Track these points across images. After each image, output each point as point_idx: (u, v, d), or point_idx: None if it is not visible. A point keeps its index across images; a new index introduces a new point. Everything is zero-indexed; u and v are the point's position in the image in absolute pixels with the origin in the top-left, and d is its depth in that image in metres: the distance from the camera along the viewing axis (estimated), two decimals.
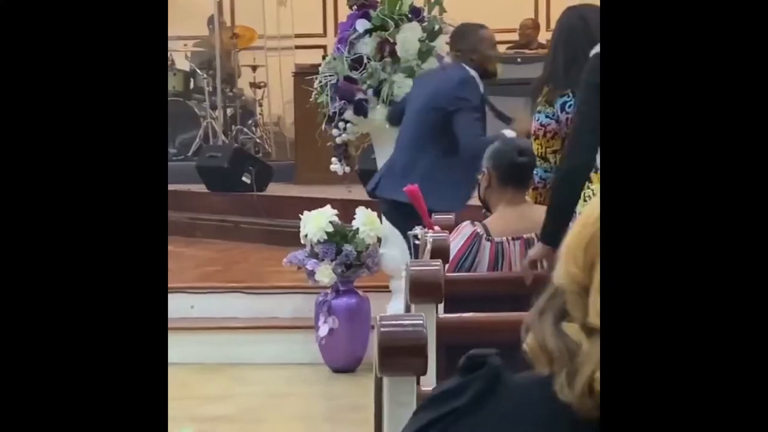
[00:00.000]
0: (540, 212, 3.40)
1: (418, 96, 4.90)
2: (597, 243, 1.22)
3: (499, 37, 6.85)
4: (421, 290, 2.55)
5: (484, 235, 3.48)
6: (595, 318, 1.19)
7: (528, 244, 3.43)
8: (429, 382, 2.05)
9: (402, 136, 4.94)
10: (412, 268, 2.59)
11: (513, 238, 3.48)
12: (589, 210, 1.28)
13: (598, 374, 1.15)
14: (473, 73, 4.75)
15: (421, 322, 1.76)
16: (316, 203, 5.86)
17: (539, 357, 1.22)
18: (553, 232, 3.04)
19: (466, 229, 3.52)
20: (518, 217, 3.52)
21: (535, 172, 3.71)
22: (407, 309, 2.76)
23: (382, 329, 1.74)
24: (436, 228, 3.59)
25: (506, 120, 4.87)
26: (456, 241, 3.48)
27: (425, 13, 5.45)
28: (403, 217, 4.51)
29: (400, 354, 1.73)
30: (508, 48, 8.68)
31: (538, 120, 3.80)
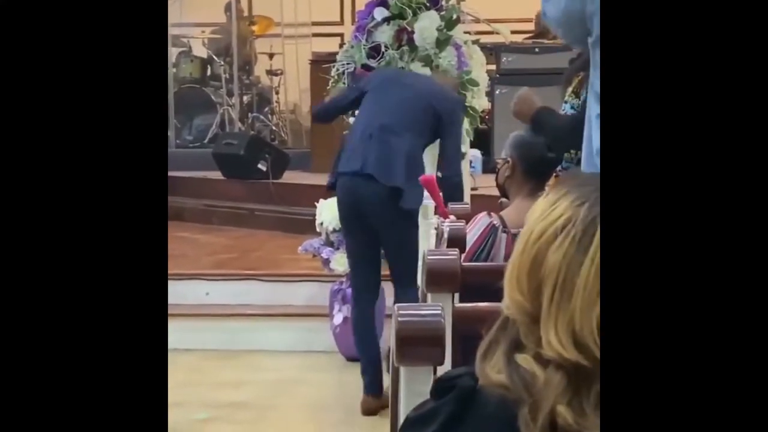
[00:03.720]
0: None
1: (405, 86, 4.82)
2: (541, 264, 1.16)
3: (516, 27, 6.86)
4: (437, 279, 2.54)
5: (501, 227, 3.47)
6: (548, 349, 1.13)
7: None
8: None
9: (396, 118, 4.76)
10: (429, 257, 2.59)
11: None
12: (527, 229, 1.21)
13: (560, 407, 1.11)
14: None
15: (439, 312, 1.75)
16: (331, 191, 5.85)
17: (495, 391, 1.17)
18: None
19: (482, 220, 3.50)
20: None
21: None
22: (423, 298, 2.75)
23: (399, 318, 1.74)
24: (452, 217, 3.58)
25: None
26: (472, 233, 3.46)
27: (443, 2, 5.44)
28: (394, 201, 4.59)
29: (418, 344, 1.72)
30: (525, 38, 8.65)
31: (564, 110, 3.78)
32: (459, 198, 4.67)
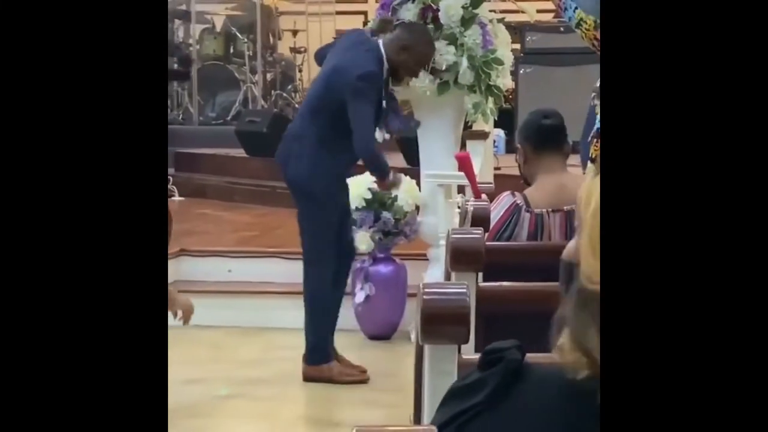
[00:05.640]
0: (581, 182, 3.37)
1: (329, 61, 4.94)
2: None
3: (541, 5, 6.80)
4: (462, 258, 2.53)
5: (524, 206, 3.45)
6: None
7: (569, 216, 3.40)
8: (469, 351, 2.04)
9: (306, 100, 5.18)
10: (454, 236, 2.58)
11: (553, 210, 3.45)
12: (591, 196, 1.20)
13: None
14: (377, 68, 4.76)
15: (464, 290, 1.74)
16: (354, 170, 5.85)
17: (575, 356, 1.15)
18: None
19: (505, 199, 3.49)
20: (558, 187, 3.47)
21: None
22: (447, 277, 2.74)
23: (425, 297, 1.73)
24: (484, 196, 3.57)
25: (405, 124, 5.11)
26: (495, 212, 3.44)
27: None
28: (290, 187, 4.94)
29: (443, 322, 1.71)
30: (553, 17, 8.60)
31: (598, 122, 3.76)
32: (380, 171, 4.84)
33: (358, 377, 4.94)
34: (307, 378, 4.93)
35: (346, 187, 4.95)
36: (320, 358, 4.91)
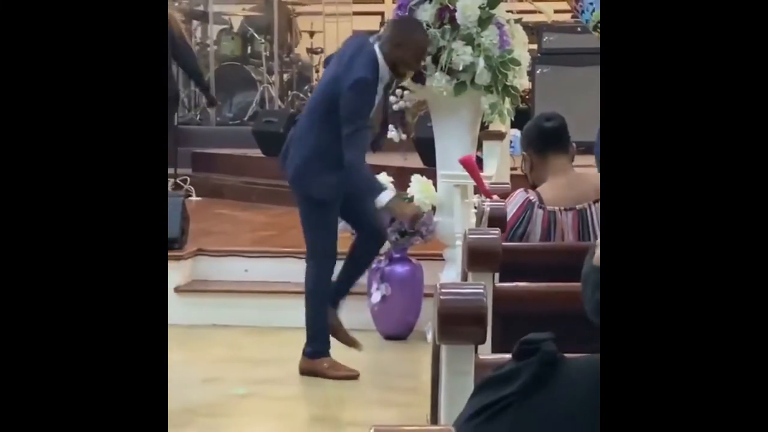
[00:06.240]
0: (591, 180, 3.37)
1: (329, 70, 5.13)
2: None
3: (558, 6, 6.79)
4: (478, 259, 2.53)
5: (537, 203, 3.45)
6: None
7: (581, 215, 3.41)
8: (486, 352, 2.04)
9: (307, 104, 5.36)
10: (470, 236, 2.58)
11: (566, 209, 3.45)
12: None
13: None
14: (370, 74, 4.80)
15: (481, 290, 1.74)
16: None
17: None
18: None
19: (518, 196, 3.50)
20: (569, 185, 3.49)
21: None
22: (464, 277, 2.75)
23: (442, 297, 1.73)
24: (495, 197, 3.57)
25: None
26: (509, 209, 3.45)
27: None
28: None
29: (460, 322, 1.71)
30: (571, 17, 8.58)
31: None
32: (363, 188, 4.88)
33: (349, 373, 4.98)
34: (303, 371, 5.04)
35: (341, 189, 4.95)
36: (318, 349, 5.00)
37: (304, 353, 5.05)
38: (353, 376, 5.01)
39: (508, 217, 3.41)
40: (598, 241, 1.28)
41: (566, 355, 1.23)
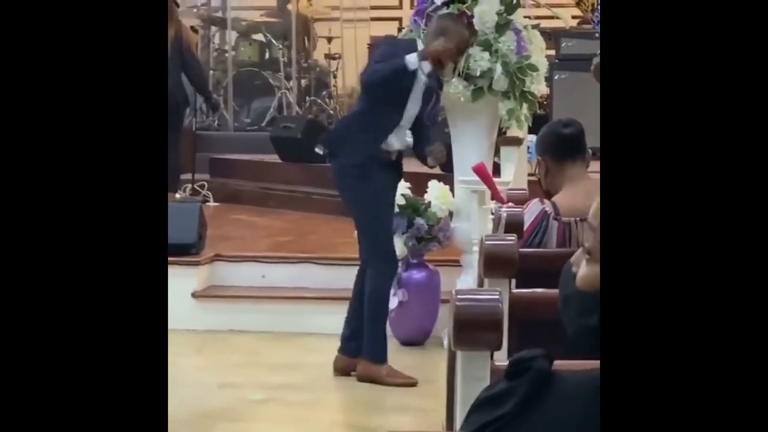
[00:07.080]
0: None
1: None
2: None
3: (576, 11, 6.77)
4: (495, 265, 2.53)
5: (552, 214, 3.44)
6: None
7: None
8: (501, 358, 2.04)
9: None
10: (487, 242, 2.58)
11: (581, 219, 3.44)
12: None
13: None
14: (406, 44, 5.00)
15: (497, 297, 1.74)
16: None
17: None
18: None
19: (534, 207, 3.48)
20: (586, 194, 3.46)
21: None
22: (480, 283, 2.74)
23: (458, 303, 1.73)
24: (510, 204, 3.56)
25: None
26: (525, 219, 3.44)
27: None
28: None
29: (476, 328, 1.71)
30: (578, 23, 8.57)
31: None
32: (389, 74, 4.86)
33: (407, 380, 4.97)
34: (361, 378, 5.00)
35: (377, 150, 4.99)
36: (380, 352, 4.98)
37: (364, 357, 5.01)
38: (411, 384, 4.98)
39: (524, 227, 3.41)
40: (576, 255, 1.28)
41: (566, 362, 1.22)
